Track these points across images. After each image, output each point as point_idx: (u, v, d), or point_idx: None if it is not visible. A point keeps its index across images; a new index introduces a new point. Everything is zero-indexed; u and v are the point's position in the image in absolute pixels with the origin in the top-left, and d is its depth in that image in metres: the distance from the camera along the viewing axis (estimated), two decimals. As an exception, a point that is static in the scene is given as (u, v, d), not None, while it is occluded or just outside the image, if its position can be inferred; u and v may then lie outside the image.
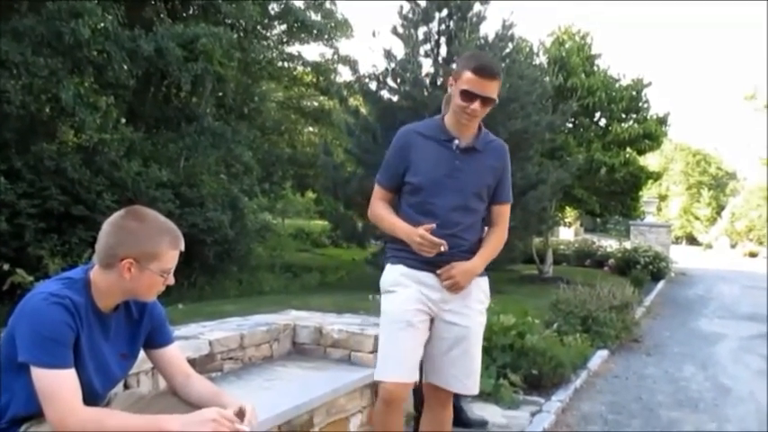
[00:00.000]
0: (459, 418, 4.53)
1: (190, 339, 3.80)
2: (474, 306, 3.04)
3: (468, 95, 2.86)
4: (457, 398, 4.61)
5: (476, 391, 3.16)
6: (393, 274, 3.11)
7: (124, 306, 2.26)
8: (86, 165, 12.64)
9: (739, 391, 6.41)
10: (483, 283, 3.10)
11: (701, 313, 12.27)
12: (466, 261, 2.96)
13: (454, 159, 2.99)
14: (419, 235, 2.88)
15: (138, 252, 2.10)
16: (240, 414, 2.13)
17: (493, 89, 2.92)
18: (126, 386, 2.98)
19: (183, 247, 2.25)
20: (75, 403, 1.98)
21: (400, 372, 2.98)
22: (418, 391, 4.25)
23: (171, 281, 2.24)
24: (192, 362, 3.47)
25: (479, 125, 3.08)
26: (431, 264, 2.95)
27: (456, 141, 3.00)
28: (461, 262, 2.95)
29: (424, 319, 3.00)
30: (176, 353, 2.44)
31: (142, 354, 2.40)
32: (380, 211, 3.18)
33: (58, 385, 1.96)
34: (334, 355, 4.46)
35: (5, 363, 2.06)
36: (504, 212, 3.12)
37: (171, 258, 2.19)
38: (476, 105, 2.87)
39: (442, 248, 2.87)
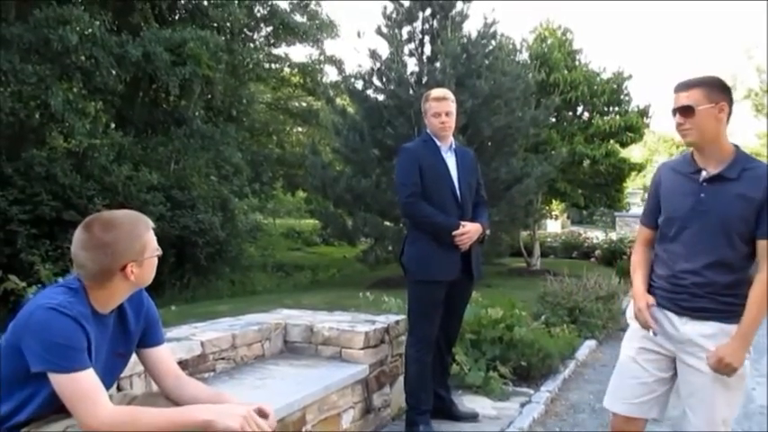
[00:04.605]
0: (450, 412, 4.61)
1: (182, 341, 3.82)
2: None
3: None
4: (447, 390, 4.72)
5: None
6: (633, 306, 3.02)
7: (119, 306, 2.29)
8: (77, 170, 12.71)
9: (724, 376, 6.49)
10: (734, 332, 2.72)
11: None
12: (731, 339, 2.68)
13: (700, 192, 2.78)
14: (638, 308, 2.92)
15: (132, 254, 2.15)
16: (262, 414, 2.18)
17: None
18: (119, 388, 3.01)
19: (152, 223, 2.29)
20: (105, 401, 2.04)
21: (614, 401, 3.05)
22: (408, 381, 4.38)
23: (159, 252, 2.28)
24: (184, 363, 3.55)
25: (734, 147, 2.80)
26: (673, 302, 2.84)
27: (704, 172, 2.78)
28: (724, 345, 2.67)
29: (655, 359, 2.91)
30: (167, 354, 2.48)
31: (134, 357, 2.44)
32: (634, 260, 3.10)
33: (85, 386, 2.01)
34: (326, 352, 4.48)
35: (7, 374, 2.09)
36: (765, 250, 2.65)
37: (152, 238, 2.23)
38: None
39: (651, 332, 2.83)
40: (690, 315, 2.78)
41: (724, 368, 2.66)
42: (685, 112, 2.72)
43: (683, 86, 2.76)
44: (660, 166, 3.09)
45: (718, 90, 2.73)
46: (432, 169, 4.22)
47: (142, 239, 2.18)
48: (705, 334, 2.73)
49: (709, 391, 2.74)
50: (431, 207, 4.17)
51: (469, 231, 4.19)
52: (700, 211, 2.75)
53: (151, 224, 2.26)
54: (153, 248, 2.22)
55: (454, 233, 4.16)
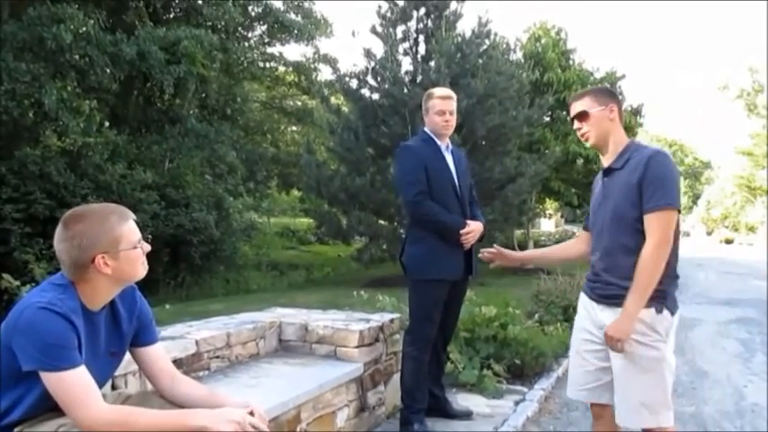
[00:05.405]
0: (445, 410, 4.61)
1: (177, 339, 3.81)
2: (631, 337, 2.80)
3: None
4: (442, 388, 4.73)
5: (634, 426, 2.95)
6: (580, 299, 3.21)
7: (110, 305, 2.28)
8: (71, 169, 12.69)
9: (716, 374, 6.49)
10: (644, 316, 2.80)
11: (679, 299, 12.32)
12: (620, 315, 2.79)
13: (602, 187, 3.06)
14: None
15: (102, 245, 2.10)
16: (251, 415, 2.18)
17: None
18: (113, 387, 3.00)
19: (133, 215, 2.25)
20: (97, 399, 2.04)
21: (569, 389, 3.21)
22: (404, 380, 4.39)
23: (146, 247, 2.25)
24: (179, 361, 3.55)
25: (630, 141, 3.05)
26: (593, 292, 3.02)
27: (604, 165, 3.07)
28: (612, 323, 2.81)
29: (593, 349, 3.01)
30: (161, 353, 2.47)
31: (128, 356, 2.43)
32: None
33: (76, 385, 2.01)
34: (320, 350, 4.48)
35: (0, 373, 2.09)
36: (650, 223, 2.78)
37: (129, 230, 2.17)
38: None
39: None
40: (605, 303, 2.93)
41: (612, 343, 2.80)
42: (581, 116, 3.03)
43: (576, 97, 3.11)
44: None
45: (606, 95, 3.07)
46: (435, 168, 4.21)
47: (114, 231, 2.13)
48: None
49: (624, 375, 2.87)
50: (438, 206, 4.16)
51: (474, 230, 4.20)
52: (602, 203, 3.02)
53: (131, 216, 2.22)
54: (131, 241, 2.17)
55: (461, 232, 4.16)
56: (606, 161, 3.04)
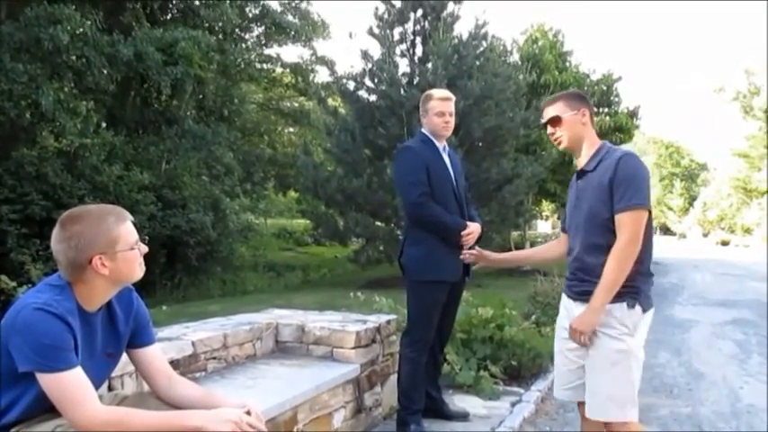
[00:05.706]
0: (441, 411, 4.61)
1: (173, 340, 3.81)
2: (600, 330, 2.90)
3: None
4: (438, 390, 4.73)
5: (600, 417, 2.96)
6: (561, 299, 3.27)
7: (107, 306, 2.28)
8: (68, 169, 12.67)
9: (712, 375, 6.51)
10: (615, 310, 2.87)
11: (675, 301, 12.43)
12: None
13: (576, 189, 3.14)
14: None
15: (99, 246, 2.10)
16: (247, 414, 2.18)
17: None
18: (110, 388, 3.01)
19: (130, 216, 2.25)
20: (93, 400, 2.04)
21: (555, 388, 3.29)
22: (401, 381, 4.40)
23: (144, 248, 2.25)
24: (175, 363, 3.54)
25: (602, 143, 3.10)
26: (570, 290, 3.11)
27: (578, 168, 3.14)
28: (578, 315, 2.94)
29: (574, 347, 3.03)
30: (158, 354, 2.46)
31: (125, 357, 2.42)
32: None
33: (72, 386, 2.00)
34: (317, 352, 4.48)
35: None
36: (621, 222, 2.86)
37: (127, 231, 2.18)
38: None
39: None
40: (581, 300, 2.99)
41: (575, 335, 2.92)
42: (554, 122, 3.10)
43: (548, 102, 3.18)
44: None
45: (577, 99, 3.12)
46: (435, 169, 4.19)
47: (111, 232, 2.13)
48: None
49: (592, 369, 2.95)
50: (439, 207, 4.14)
51: (474, 231, 4.19)
52: (576, 205, 3.10)
53: (128, 217, 2.22)
54: (128, 242, 2.17)
55: (462, 233, 4.15)
56: (580, 164, 3.10)
